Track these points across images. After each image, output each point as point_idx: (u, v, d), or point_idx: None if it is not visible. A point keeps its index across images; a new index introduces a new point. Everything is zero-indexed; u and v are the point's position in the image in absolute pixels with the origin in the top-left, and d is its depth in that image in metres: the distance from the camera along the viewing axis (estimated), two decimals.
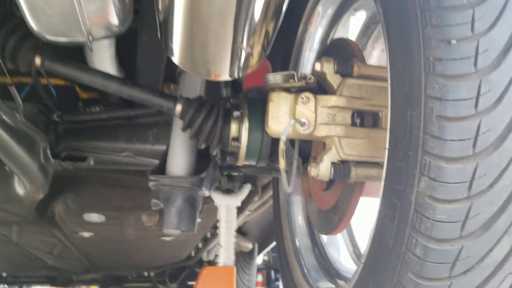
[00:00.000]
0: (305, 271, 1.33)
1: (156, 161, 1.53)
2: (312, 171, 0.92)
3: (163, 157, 1.30)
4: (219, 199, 1.85)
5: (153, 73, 1.50)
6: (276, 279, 7.26)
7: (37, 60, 1.08)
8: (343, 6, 1.28)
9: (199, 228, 2.51)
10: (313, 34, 1.39)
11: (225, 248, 1.78)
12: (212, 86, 1.46)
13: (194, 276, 4.60)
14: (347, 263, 1.36)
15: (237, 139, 1.10)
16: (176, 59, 0.84)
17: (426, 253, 0.69)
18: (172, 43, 0.79)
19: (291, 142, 1.09)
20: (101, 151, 1.53)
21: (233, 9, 0.69)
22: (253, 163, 1.16)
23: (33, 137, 1.43)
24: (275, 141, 1.11)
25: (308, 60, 1.42)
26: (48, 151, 1.53)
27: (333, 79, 0.94)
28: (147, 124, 1.53)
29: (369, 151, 0.92)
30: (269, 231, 3.43)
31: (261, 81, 1.34)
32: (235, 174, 1.57)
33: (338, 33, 1.39)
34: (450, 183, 0.67)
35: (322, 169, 0.92)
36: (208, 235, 2.83)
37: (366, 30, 1.38)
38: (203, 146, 1.16)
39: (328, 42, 1.38)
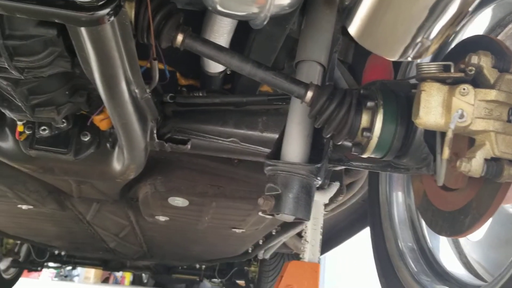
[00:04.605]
0: (414, 273, 1.30)
1: (263, 149, 1.54)
2: (463, 166, 0.90)
3: (277, 144, 1.30)
4: None
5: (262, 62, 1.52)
6: None
7: (179, 38, 1.10)
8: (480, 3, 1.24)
9: (267, 224, 2.53)
10: None
11: (311, 245, 1.78)
12: None
13: (242, 274, 4.62)
14: (454, 269, 1.32)
15: (369, 129, 1.09)
16: (353, 30, 0.84)
17: None
18: (357, 14, 0.80)
19: (425, 136, 1.07)
20: (208, 135, 1.55)
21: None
22: (378, 156, 1.14)
23: (146, 116, 1.47)
24: (408, 135, 1.10)
25: None
26: (155, 131, 1.57)
27: (490, 73, 0.92)
28: (257, 111, 1.54)
29: None
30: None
31: (382, 75, 1.33)
32: (340, 168, 1.56)
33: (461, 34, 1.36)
34: None
35: (475, 165, 0.89)
36: (273, 232, 2.83)
37: (490, 33, 1.34)
38: (329, 135, 1.15)
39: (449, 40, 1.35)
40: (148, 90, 1.25)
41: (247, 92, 1.70)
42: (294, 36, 1.46)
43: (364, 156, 1.14)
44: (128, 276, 11.34)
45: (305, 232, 1.79)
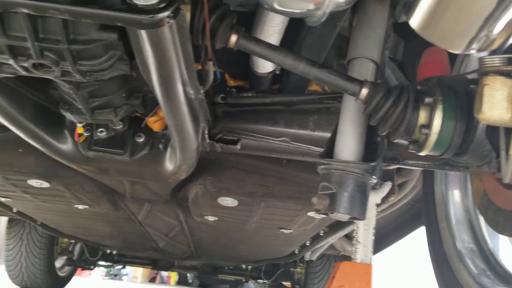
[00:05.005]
0: (474, 275, 1.26)
1: (314, 148, 1.54)
2: None
3: (330, 142, 1.29)
4: None
5: None
6: None
7: (233, 38, 1.11)
8: None
9: (315, 225, 2.51)
10: None
11: (363, 245, 1.75)
12: None
13: (288, 276, 4.61)
14: None
15: (427, 126, 1.06)
16: (414, 22, 0.83)
17: None
18: (419, 6, 0.79)
19: (487, 132, 1.04)
20: (259, 135, 1.56)
21: None
22: (437, 153, 1.11)
23: (198, 116, 1.49)
24: (468, 132, 1.07)
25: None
26: (206, 132, 1.60)
27: None
28: (307, 110, 1.54)
29: None
30: None
31: (438, 71, 1.29)
32: (392, 167, 1.53)
33: None
34: None
35: None
36: (321, 233, 2.80)
37: None
38: (385, 133, 1.14)
39: None
40: (202, 91, 1.27)
41: (296, 91, 1.70)
42: (344, 34, 1.45)
43: (422, 154, 1.11)
44: (173, 276, 11.60)
45: (357, 233, 1.76)
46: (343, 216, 1.18)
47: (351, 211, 1.16)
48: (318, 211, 1.21)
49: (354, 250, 1.76)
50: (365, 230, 1.76)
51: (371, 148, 1.30)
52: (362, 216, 1.17)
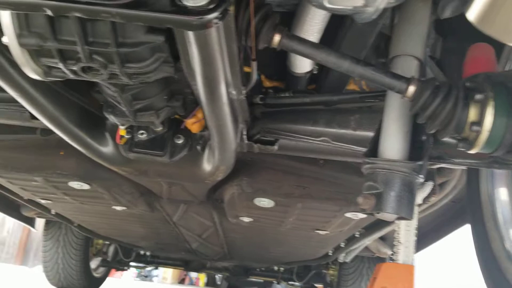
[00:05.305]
0: None
1: (355, 148, 1.52)
2: None
3: (373, 141, 1.27)
4: None
5: None
6: None
7: (276, 38, 1.11)
8: None
9: (352, 226, 2.48)
10: None
11: (404, 246, 1.72)
12: None
13: (320, 278, 4.57)
14: None
15: (478, 123, 1.04)
16: (472, 15, 0.81)
17: None
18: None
19: None
20: (298, 135, 1.55)
21: None
22: (488, 151, 1.08)
23: (237, 117, 1.50)
24: None
25: None
26: (244, 133, 1.60)
27: None
28: (348, 109, 1.52)
29: None
30: None
31: (485, 67, 1.26)
32: (436, 167, 1.50)
33: None
34: None
35: None
36: (357, 234, 2.77)
37: None
38: (433, 131, 1.11)
39: None
40: (243, 92, 1.27)
41: (334, 91, 1.69)
42: (384, 32, 1.43)
43: (472, 152, 1.08)
44: (202, 278, 11.69)
45: (398, 234, 1.73)
46: (390, 216, 1.17)
47: (398, 210, 1.14)
48: (363, 210, 1.20)
49: (395, 251, 1.73)
50: (406, 231, 1.73)
51: (415, 146, 1.28)
52: (410, 216, 1.15)
